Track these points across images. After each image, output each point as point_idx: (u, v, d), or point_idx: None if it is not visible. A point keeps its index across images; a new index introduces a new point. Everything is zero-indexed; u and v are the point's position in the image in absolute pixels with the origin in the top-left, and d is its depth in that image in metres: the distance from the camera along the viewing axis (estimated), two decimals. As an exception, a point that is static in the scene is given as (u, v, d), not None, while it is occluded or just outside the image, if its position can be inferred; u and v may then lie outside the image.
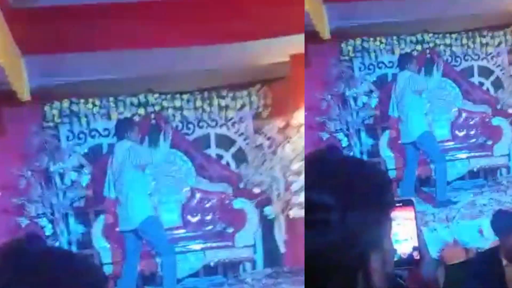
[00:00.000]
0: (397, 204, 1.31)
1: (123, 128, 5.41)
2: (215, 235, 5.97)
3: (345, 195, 1.12)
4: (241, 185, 6.10)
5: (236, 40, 5.55)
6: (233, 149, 6.25)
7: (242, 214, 6.05)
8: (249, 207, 6.08)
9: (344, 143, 6.28)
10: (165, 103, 6.10)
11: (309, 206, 1.14)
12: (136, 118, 5.84)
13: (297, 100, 5.88)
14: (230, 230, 6.00)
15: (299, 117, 5.97)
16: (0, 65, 4.53)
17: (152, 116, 5.98)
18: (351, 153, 6.09)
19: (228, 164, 6.19)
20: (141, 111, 5.94)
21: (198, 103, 6.21)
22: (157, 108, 6.03)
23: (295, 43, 5.53)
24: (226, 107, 6.29)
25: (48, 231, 5.23)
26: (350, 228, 1.11)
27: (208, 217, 6.03)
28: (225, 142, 6.24)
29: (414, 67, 6.26)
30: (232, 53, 5.76)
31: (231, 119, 6.27)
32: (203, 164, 6.14)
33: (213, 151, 6.20)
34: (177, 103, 6.15)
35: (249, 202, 6.06)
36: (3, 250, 1.05)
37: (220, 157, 6.19)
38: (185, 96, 6.18)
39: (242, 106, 6.28)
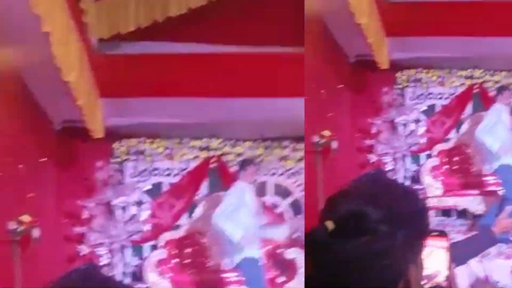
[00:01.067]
0: (432, 233, 1.35)
1: None
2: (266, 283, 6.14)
3: (386, 216, 1.17)
4: (295, 235, 6.31)
5: (298, 95, 5.89)
6: (289, 199, 6.51)
7: (294, 264, 6.22)
8: (302, 257, 6.20)
9: (389, 166, 6.78)
10: (227, 149, 6.44)
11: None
12: (197, 161, 6.22)
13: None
14: (282, 279, 6.18)
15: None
16: (79, 106, 5.04)
17: (213, 160, 6.34)
18: (395, 177, 6.58)
19: (283, 213, 6.45)
20: (204, 154, 6.31)
21: (259, 151, 6.52)
22: (218, 152, 6.38)
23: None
24: (286, 157, 6.59)
25: (104, 260, 5.69)
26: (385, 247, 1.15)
27: (260, 264, 6.23)
28: (281, 191, 6.51)
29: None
30: (296, 106, 6.13)
31: (290, 169, 6.55)
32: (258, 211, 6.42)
33: (269, 199, 6.46)
34: (239, 149, 6.49)
35: (301, 253, 6.17)
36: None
37: (275, 205, 6.47)
38: (247, 144, 6.50)
39: (302, 158, 6.57)
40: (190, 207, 6.17)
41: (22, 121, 5.11)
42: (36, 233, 4.90)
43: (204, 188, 6.25)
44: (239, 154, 6.43)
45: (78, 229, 5.67)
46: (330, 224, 1.16)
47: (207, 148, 6.33)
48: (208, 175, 6.24)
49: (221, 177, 6.31)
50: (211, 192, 6.23)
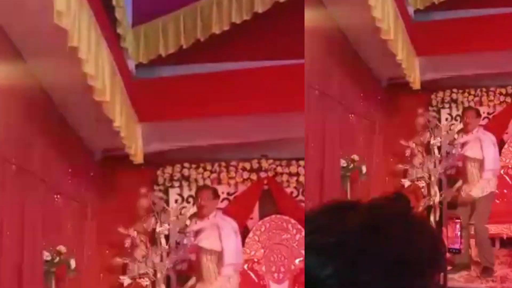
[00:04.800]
0: None
1: None
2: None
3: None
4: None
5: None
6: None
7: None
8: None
9: (425, 191, 6.73)
10: (279, 169, 6.44)
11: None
12: (247, 184, 6.24)
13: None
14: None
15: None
16: (116, 129, 5.17)
17: (265, 181, 6.35)
18: (431, 202, 6.57)
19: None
20: (253, 176, 6.31)
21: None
22: (270, 173, 6.39)
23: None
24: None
25: (148, 291, 5.78)
26: None
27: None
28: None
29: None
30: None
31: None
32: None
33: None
34: (293, 169, 6.49)
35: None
36: None
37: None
38: (302, 163, 6.49)
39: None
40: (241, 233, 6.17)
41: (58, 151, 5.29)
42: (73, 264, 5.05)
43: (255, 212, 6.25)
44: (293, 174, 6.42)
45: (120, 259, 5.78)
46: None
47: (257, 170, 6.34)
48: (259, 198, 6.25)
49: (276, 199, 6.31)
50: (263, 216, 6.23)
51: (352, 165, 6.47)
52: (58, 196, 5.21)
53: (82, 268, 5.39)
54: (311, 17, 5.78)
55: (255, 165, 6.33)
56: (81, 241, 5.48)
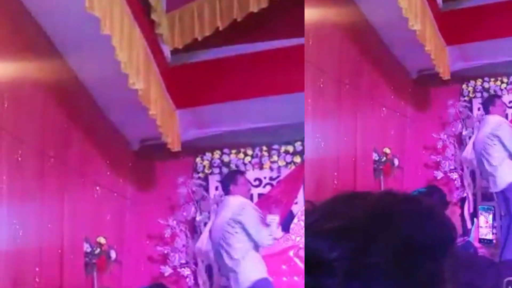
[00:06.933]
0: None
1: None
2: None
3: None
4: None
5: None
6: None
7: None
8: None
9: (458, 183, 6.79)
10: (323, 151, 6.41)
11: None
12: (292, 167, 6.20)
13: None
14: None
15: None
16: (152, 117, 5.22)
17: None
18: (464, 194, 6.65)
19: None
20: (297, 159, 6.27)
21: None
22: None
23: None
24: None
25: (190, 281, 5.84)
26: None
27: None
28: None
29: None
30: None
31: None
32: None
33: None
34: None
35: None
36: None
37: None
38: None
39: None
40: (285, 220, 6.17)
41: (96, 143, 5.38)
42: (113, 255, 5.15)
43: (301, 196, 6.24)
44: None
45: (161, 249, 5.86)
46: None
47: (300, 152, 6.28)
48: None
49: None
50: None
51: (384, 158, 6.53)
52: (98, 188, 5.32)
53: (123, 258, 5.49)
54: (336, 11, 5.80)
55: (298, 148, 6.28)
56: (121, 232, 5.59)
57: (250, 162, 6.17)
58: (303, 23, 5.54)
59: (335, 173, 5.99)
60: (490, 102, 6.64)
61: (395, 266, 1.02)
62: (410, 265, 1.03)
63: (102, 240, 5.16)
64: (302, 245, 6.17)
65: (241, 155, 6.17)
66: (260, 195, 6.14)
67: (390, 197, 1.10)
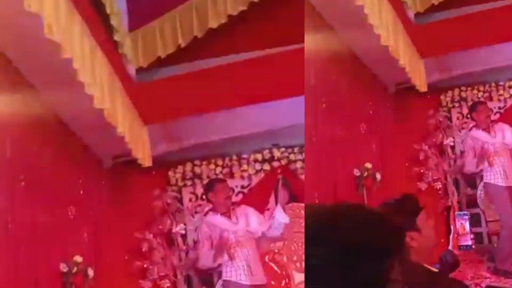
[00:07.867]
0: None
1: None
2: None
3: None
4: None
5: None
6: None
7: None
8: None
9: (442, 192, 6.89)
10: (292, 157, 6.53)
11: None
12: (262, 174, 6.37)
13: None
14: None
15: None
16: (120, 135, 5.35)
17: (279, 171, 6.47)
18: (450, 203, 6.74)
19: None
20: (266, 167, 6.44)
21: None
22: (283, 162, 6.50)
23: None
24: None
25: (171, 293, 5.96)
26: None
27: None
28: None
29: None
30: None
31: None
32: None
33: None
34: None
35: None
36: None
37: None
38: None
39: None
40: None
41: (67, 162, 5.49)
42: (90, 272, 5.26)
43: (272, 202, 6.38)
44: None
45: (139, 263, 5.97)
46: None
47: (269, 160, 6.44)
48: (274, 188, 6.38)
49: (292, 187, 6.44)
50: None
51: (366, 173, 6.62)
52: (71, 207, 5.42)
53: (101, 275, 5.59)
54: (311, 37, 5.93)
55: (267, 155, 6.44)
56: (98, 249, 5.69)
57: (221, 172, 6.33)
58: (263, 37, 5.79)
59: (315, 192, 6.08)
60: (472, 109, 6.95)
61: (341, 266, 1.19)
62: (355, 265, 1.19)
63: (78, 259, 5.26)
64: (277, 249, 6.31)
65: (212, 166, 6.33)
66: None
67: (343, 207, 1.29)
